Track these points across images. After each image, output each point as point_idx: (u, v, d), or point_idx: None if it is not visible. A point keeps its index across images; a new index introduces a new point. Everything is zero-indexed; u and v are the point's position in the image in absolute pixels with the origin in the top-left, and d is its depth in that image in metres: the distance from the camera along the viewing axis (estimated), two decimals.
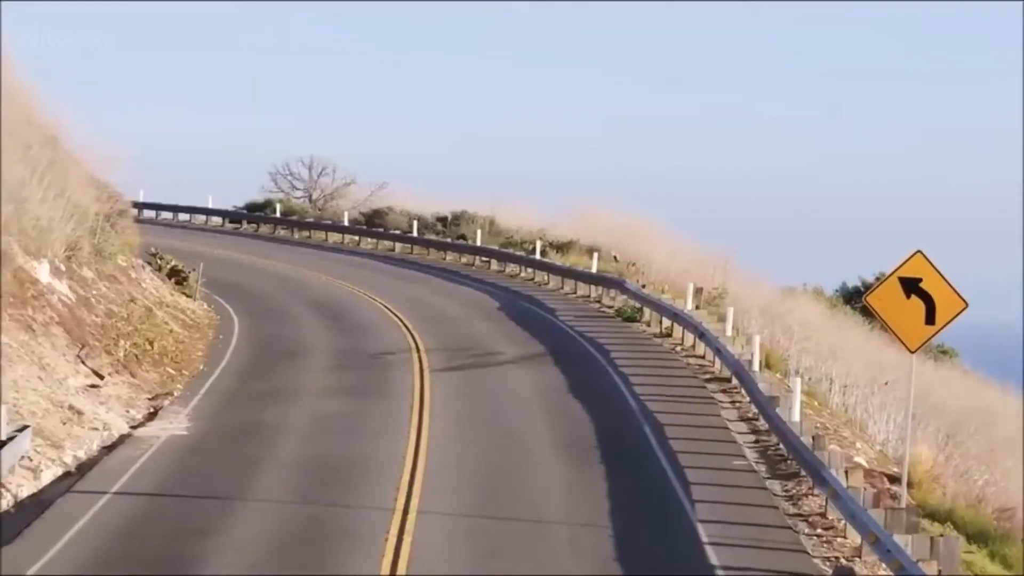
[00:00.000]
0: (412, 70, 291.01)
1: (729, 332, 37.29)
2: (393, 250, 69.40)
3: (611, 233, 69.57)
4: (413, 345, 40.75)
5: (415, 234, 70.01)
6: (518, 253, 61.73)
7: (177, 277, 52.37)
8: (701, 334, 37.61)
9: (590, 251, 65.02)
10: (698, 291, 46.10)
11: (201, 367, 38.14)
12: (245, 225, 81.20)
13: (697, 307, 43.85)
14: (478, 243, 66.20)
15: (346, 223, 75.21)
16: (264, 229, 79.36)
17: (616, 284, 49.74)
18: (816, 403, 36.29)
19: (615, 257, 62.36)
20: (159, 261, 53.18)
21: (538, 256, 59.90)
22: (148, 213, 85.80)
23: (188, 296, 50.75)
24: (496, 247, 64.69)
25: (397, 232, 70.79)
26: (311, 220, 78.36)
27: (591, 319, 46.60)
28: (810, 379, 43.19)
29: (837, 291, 70.83)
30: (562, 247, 66.34)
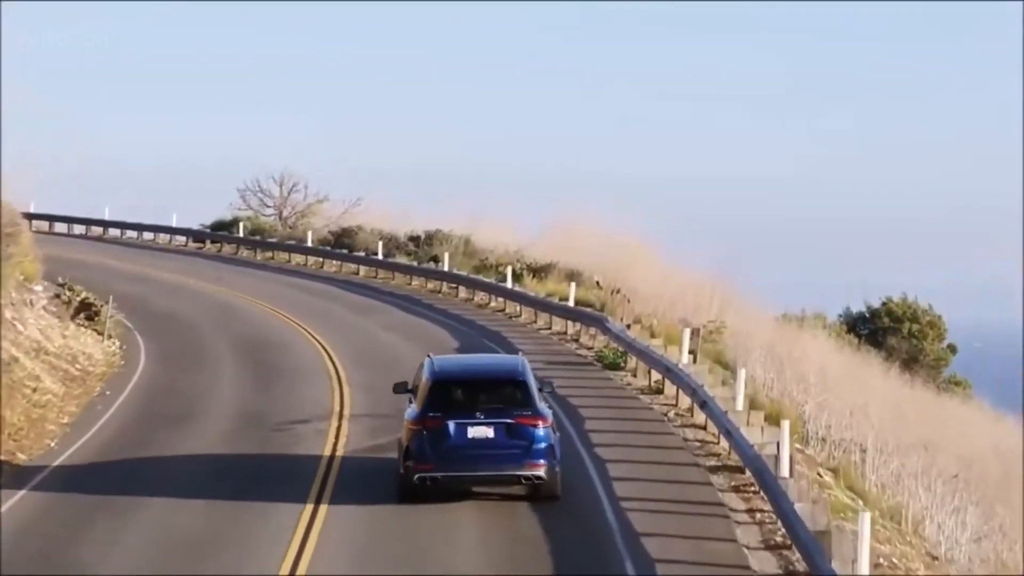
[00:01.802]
0: (409, 73, 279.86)
1: (740, 404, 25.35)
2: (357, 273, 57.82)
3: (596, 252, 58.21)
4: (336, 408, 29.19)
5: (381, 256, 58.42)
6: (488, 280, 50.06)
7: (88, 312, 41.20)
8: (703, 403, 25.91)
9: (570, 276, 53.46)
10: (695, 333, 34.60)
11: (52, 444, 26.51)
12: (208, 245, 69.67)
13: (694, 357, 32.36)
14: (446, 267, 54.52)
15: (310, 244, 63.57)
16: (228, 249, 67.80)
17: (596, 322, 38.19)
18: (880, 517, 23.84)
19: (597, 283, 50.81)
20: (68, 293, 41.91)
21: (510, 284, 48.11)
22: (113, 232, 75.26)
23: (99, 333, 39.64)
24: (465, 273, 53.06)
25: (361, 255, 59.17)
26: (274, 240, 66.69)
27: (565, 367, 34.91)
28: (834, 445, 31.74)
29: (840, 316, 59.59)
30: (540, 271, 54.80)
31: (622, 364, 34.73)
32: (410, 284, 53.98)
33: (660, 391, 31.08)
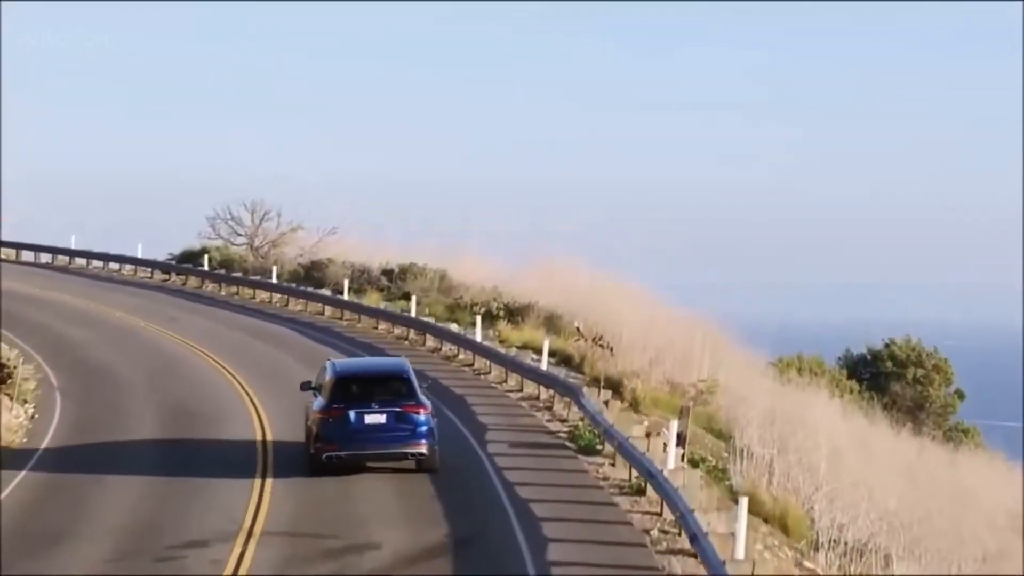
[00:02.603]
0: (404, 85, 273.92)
1: (741, 551, 18.74)
2: (322, 313, 51.64)
3: (575, 290, 52.19)
4: (248, 523, 22.97)
5: (348, 294, 52.16)
6: (455, 332, 43.66)
7: (1, 373, 35.13)
8: (693, 537, 19.67)
9: (549, 321, 47.42)
10: (684, 411, 28.49)
11: None
12: (174, 277, 63.51)
13: (684, 442, 26.24)
14: (414, 309, 48.23)
15: (275, 279, 57.34)
16: (193, 282, 61.63)
17: (570, 392, 31.95)
18: None
19: (578, 328, 44.74)
20: None
21: (479, 335, 41.79)
22: (79, 261, 69.32)
23: (11, 399, 33.62)
24: (433, 320, 46.72)
25: (327, 294, 52.86)
26: (239, 276, 60.48)
27: (531, 449, 28.72)
28: (851, 551, 25.61)
29: (840, 361, 53.42)
30: (518, 313, 48.69)
31: (599, 447, 28.59)
32: (376, 328, 47.83)
33: (642, 491, 24.90)
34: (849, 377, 49.85)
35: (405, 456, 25.80)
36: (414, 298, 47.99)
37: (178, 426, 31.57)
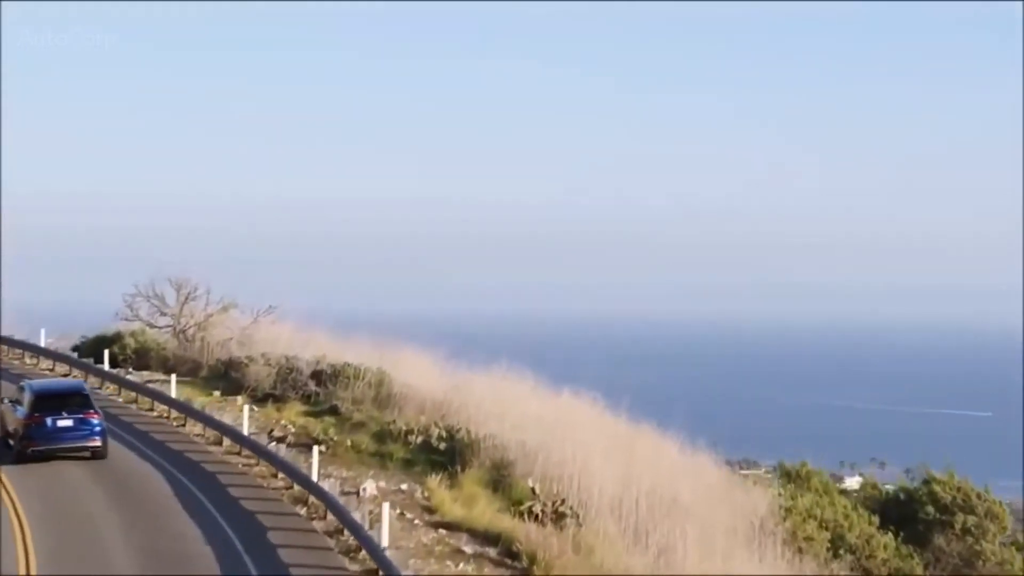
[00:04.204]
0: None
1: None
2: (220, 443, 38.20)
3: (535, 411, 39.11)
4: None
5: (246, 432, 37.97)
6: (357, 522, 29.59)
7: None
8: None
9: (497, 470, 34.14)
10: None
11: None
12: (73, 372, 50.15)
13: None
14: (315, 466, 34.41)
15: (173, 392, 43.61)
16: (92, 380, 48.28)
17: None
18: None
19: (533, 490, 31.54)
20: None
21: (383, 540, 27.79)
22: None
23: None
24: (335, 495, 32.35)
25: (227, 423, 38.86)
26: (134, 380, 46.96)
27: None
28: None
29: (858, 494, 40.00)
30: (465, 452, 35.24)
31: None
32: (276, 477, 34.18)
33: None
34: (882, 523, 36.59)
35: (86, 449, 33.98)
36: (316, 450, 34.00)
37: None
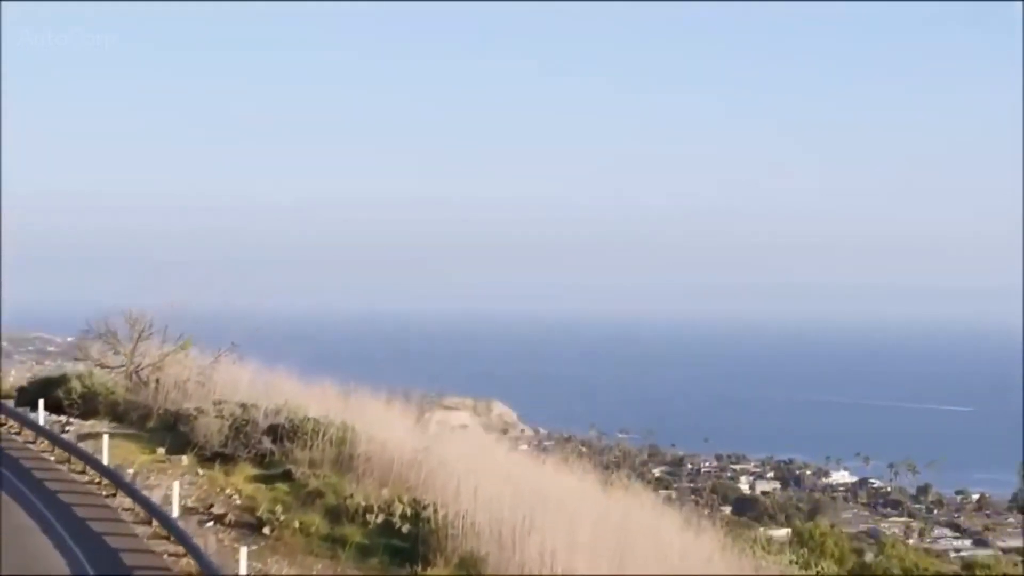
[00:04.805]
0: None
1: None
2: (149, 523, 32.24)
3: (519, 479, 33.19)
4: None
5: (176, 508, 32.12)
6: None
7: None
8: None
9: (468, 568, 28.18)
10: None
11: None
12: (8, 423, 44.24)
13: None
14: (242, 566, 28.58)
15: (105, 453, 37.58)
16: (28, 434, 42.41)
17: None
18: None
19: None
20: None
21: None
22: None
23: None
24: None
25: (155, 503, 32.70)
26: (68, 440, 40.93)
27: None
28: None
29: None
30: (433, 538, 29.30)
31: None
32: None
33: None
34: None
35: None
36: (245, 551, 28.10)
37: None
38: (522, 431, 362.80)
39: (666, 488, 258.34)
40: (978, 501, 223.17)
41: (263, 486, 35.25)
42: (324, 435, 37.98)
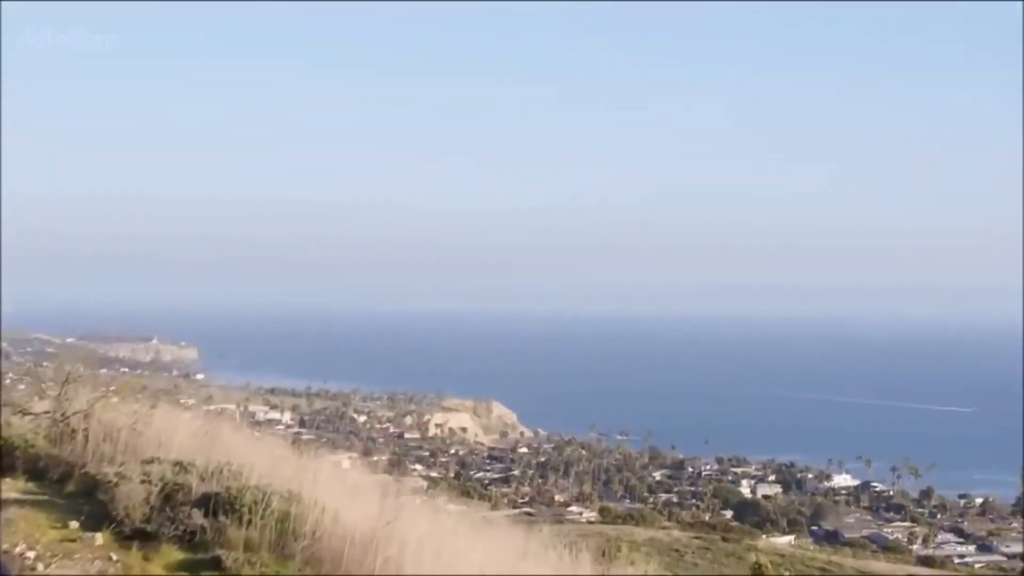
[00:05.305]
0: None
1: None
2: None
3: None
4: None
5: None
6: None
7: None
8: None
9: None
10: None
11: None
12: None
13: None
14: None
15: None
16: None
17: None
18: None
19: None
20: None
21: None
22: None
23: None
24: None
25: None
26: None
27: None
28: None
29: None
30: None
31: None
32: None
33: None
34: None
35: None
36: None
37: None
38: (522, 433, 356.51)
39: (667, 492, 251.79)
40: (982, 505, 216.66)
41: None
42: (266, 507, 31.10)
